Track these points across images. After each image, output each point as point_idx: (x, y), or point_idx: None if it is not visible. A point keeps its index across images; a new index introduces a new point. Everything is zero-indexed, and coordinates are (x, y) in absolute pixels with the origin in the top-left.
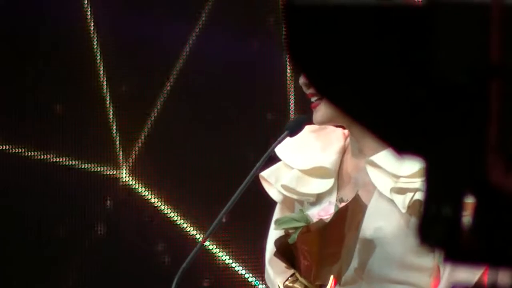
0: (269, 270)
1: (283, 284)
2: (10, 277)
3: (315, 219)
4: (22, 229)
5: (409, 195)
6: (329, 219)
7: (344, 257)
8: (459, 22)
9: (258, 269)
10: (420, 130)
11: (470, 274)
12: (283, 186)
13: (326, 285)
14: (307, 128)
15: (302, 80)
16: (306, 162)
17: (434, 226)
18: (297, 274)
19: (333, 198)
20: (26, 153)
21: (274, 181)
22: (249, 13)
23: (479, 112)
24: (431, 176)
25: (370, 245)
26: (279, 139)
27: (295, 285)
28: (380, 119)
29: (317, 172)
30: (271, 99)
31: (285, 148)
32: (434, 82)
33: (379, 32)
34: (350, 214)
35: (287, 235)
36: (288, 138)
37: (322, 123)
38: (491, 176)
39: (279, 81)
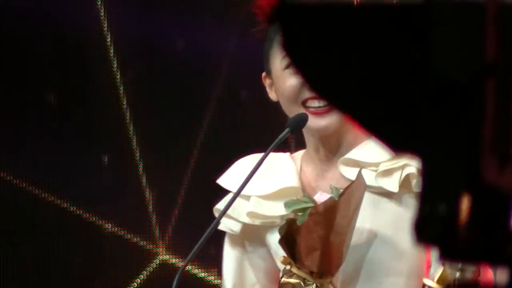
0: None
1: (279, 282)
2: None
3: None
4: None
5: (397, 173)
6: (336, 199)
7: (347, 240)
8: (454, 21)
9: None
10: (416, 128)
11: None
12: (249, 213)
13: (329, 274)
14: (249, 158)
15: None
16: (266, 188)
17: (430, 223)
18: (294, 269)
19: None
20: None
21: (231, 212)
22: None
23: (474, 111)
24: (426, 174)
25: (366, 241)
26: (280, 137)
27: (291, 279)
28: (375, 118)
29: (283, 194)
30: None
31: (231, 179)
32: (430, 81)
33: (375, 31)
34: (355, 192)
35: (292, 221)
36: (229, 171)
37: (329, 130)
38: (486, 174)
39: None
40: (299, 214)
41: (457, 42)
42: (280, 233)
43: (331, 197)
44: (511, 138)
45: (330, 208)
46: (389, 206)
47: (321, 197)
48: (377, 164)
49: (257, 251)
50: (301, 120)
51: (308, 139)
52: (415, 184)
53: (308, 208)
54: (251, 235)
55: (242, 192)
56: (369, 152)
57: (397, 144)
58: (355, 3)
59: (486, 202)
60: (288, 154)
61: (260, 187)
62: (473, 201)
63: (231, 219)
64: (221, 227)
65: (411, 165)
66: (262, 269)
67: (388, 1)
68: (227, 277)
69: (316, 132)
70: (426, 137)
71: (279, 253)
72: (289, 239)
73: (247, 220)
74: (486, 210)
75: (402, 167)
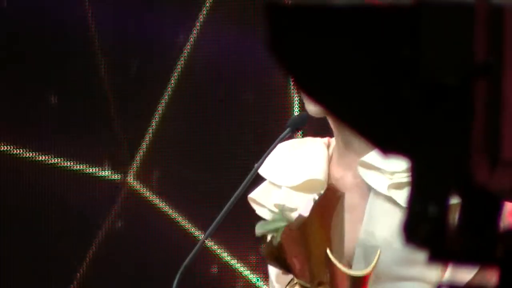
0: (276, 286)
1: None
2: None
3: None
4: (24, 232)
5: (408, 189)
6: (306, 215)
7: (335, 248)
8: (444, 22)
9: (259, 267)
10: (406, 130)
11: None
12: (276, 205)
13: (325, 282)
14: (286, 144)
15: None
16: (294, 178)
17: (420, 225)
18: (295, 277)
19: None
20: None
21: (264, 201)
22: (250, 9)
23: (464, 112)
24: (416, 176)
25: (375, 246)
26: (281, 136)
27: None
28: (365, 119)
29: (308, 186)
30: (273, 97)
31: (268, 167)
32: (420, 82)
33: (364, 32)
34: (327, 205)
35: (270, 242)
36: (269, 157)
37: (317, 114)
38: (476, 175)
39: (279, 79)
40: (273, 234)
41: (447, 43)
42: (263, 254)
43: (299, 216)
44: (501, 139)
45: (303, 224)
46: (400, 213)
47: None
48: (392, 173)
49: None
50: (302, 120)
51: (334, 128)
52: None
53: (280, 227)
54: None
55: (274, 181)
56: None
57: (387, 145)
58: (346, 5)
59: (476, 203)
60: (324, 140)
61: (290, 176)
62: (463, 202)
63: (264, 209)
64: (260, 214)
65: None
66: None
67: (379, 2)
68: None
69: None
70: (416, 138)
71: None
72: (276, 256)
73: (276, 211)
74: (476, 211)
75: None
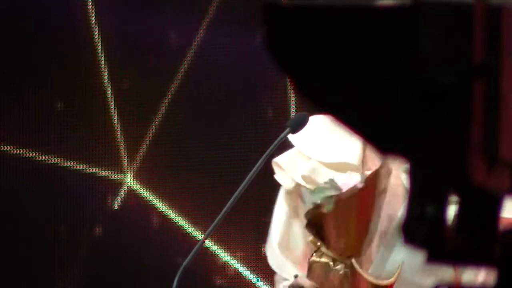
0: (277, 251)
1: (309, 260)
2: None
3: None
4: (25, 230)
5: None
6: (358, 187)
7: (372, 227)
8: (443, 23)
9: (259, 267)
10: (404, 130)
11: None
12: (304, 177)
13: (357, 254)
14: (323, 118)
15: None
16: (328, 155)
17: (418, 225)
18: (323, 248)
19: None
20: (29, 155)
21: (289, 168)
22: (249, 9)
23: (462, 112)
24: (415, 176)
25: (395, 256)
26: (280, 136)
27: (322, 259)
28: (364, 119)
29: (342, 167)
30: (272, 96)
31: (300, 136)
32: (419, 82)
33: (364, 33)
34: (378, 180)
35: (319, 206)
36: (304, 129)
37: None
38: (474, 176)
39: (279, 78)
40: (326, 201)
41: (445, 44)
42: (306, 217)
43: (354, 186)
44: (499, 139)
45: (354, 196)
46: None
47: (349, 177)
48: None
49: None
50: (301, 120)
51: None
52: None
53: (332, 196)
54: (305, 194)
55: (305, 152)
56: None
57: (386, 146)
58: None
59: (474, 204)
60: None
61: (323, 151)
62: (461, 202)
63: (287, 176)
64: (277, 179)
65: None
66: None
67: (378, 4)
68: (275, 229)
69: None
70: (414, 138)
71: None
72: (316, 223)
73: (302, 182)
74: (474, 211)
75: None
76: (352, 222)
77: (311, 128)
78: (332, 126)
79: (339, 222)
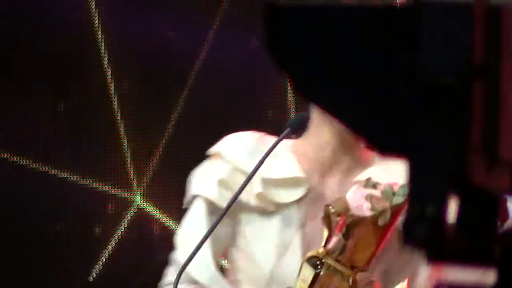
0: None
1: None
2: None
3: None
4: (25, 230)
5: None
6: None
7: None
8: (443, 22)
9: None
10: (404, 130)
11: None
12: (258, 195)
13: (366, 269)
14: (251, 135)
15: None
16: (273, 171)
17: (418, 225)
18: (330, 261)
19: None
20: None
21: (234, 186)
22: (248, 10)
23: (462, 112)
24: (414, 176)
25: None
26: (280, 136)
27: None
28: (364, 119)
29: (290, 182)
30: (272, 96)
31: (235, 152)
32: (418, 82)
33: (363, 33)
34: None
35: (382, 213)
36: (233, 143)
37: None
38: (474, 175)
39: (279, 78)
40: (382, 213)
41: (445, 43)
42: (380, 222)
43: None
44: (499, 139)
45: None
46: None
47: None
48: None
49: (225, 226)
50: (301, 120)
51: (323, 127)
52: None
53: (398, 204)
54: (232, 211)
55: (243, 168)
56: (390, 171)
57: (385, 145)
58: (344, 6)
59: (474, 204)
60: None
61: (266, 168)
62: (461, 202)
63: (229, 191)
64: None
65: None
66: (223, 246)
67: (377, 3)
68: (191, 242)
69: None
70: (414, 138)
71: (252, 243)
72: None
73: (253, 202)
74: (474, 211)
75: None
76: (379, 238)
77: (242, 145)
78: (260, 144)
79: (370, 234)
